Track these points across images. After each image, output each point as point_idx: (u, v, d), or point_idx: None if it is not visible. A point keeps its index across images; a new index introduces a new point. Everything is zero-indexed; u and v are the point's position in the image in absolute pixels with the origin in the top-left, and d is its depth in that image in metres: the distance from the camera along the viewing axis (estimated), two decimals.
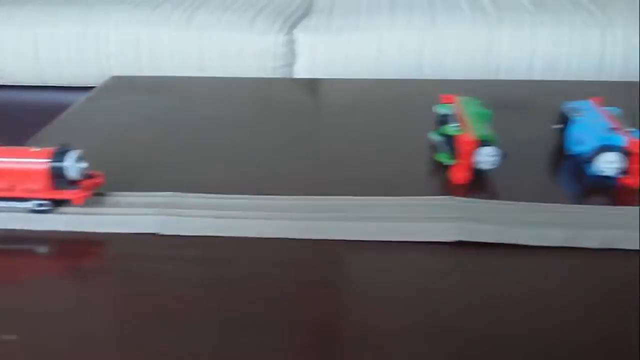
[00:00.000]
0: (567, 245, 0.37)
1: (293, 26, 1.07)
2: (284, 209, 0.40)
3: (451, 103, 0.51)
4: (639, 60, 0.99)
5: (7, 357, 0.30)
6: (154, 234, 0.39)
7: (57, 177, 0.39)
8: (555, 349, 0.30)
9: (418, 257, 0.37)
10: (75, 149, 0.40)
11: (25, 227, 0.39)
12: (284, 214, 0.40)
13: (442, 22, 1.03)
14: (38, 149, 0.40)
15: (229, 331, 0.31)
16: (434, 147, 0.50)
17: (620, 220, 0.39)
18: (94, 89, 0.70)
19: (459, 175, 0.45)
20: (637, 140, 0.44)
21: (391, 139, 0.54)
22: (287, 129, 0.57)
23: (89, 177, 0.40)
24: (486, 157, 0.45)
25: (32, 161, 0.39)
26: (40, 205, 0.39)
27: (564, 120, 0.50)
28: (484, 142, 0.45)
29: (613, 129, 0.46)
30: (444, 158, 0.47)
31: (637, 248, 0.37)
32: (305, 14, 1.15)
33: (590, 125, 0.47)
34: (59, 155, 0.39)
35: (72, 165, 0.39)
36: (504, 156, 0.45)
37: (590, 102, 0.51)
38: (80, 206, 0.40)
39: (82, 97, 0.67)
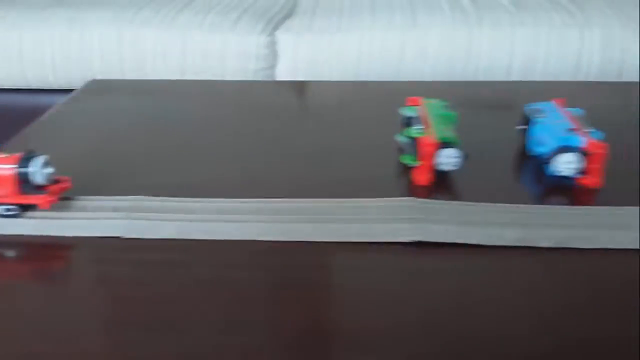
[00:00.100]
0: (521, 244, 0.38)
1: (275, 28, 1.08)
2: (246, 211, 0.41)
3: (416, 105, 0.52)
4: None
5: None
6: (120, 238, 0.40)
7: (24, 183, 0.39)
8: (515, 346, 0.31)
9: (379, 258, 0.38)
10: (41, 154, 0.41)
11: None
12: (246, 217, 0.40)
13: (423, 22, 1.03)
14: (6, 155, 0.41)
15: (193, 333, 0.32)
16: (400, 149, 0.51)
17: (574, 220, 0.40)
18: (73, 93, 0.70)
19: (422, 177, 0.46)
20: (595, 141, 0.45)
21: (361, 141, 0.55)
22: (258, 132, 0.58)
23: (56, 182, 0.41)
24: (447, 159, 0.46)
25: (0, 167, 0.40)
26: (8, 210, 0.40)
27: (527, 121, 0.51)
28: (445, 144, 0.46)
29: (572, 130, 0.47)
30: (408, 160, 0.48)
31: (591, 247, 0.38)
32: (289, 15, 1.15)
33: (551, 126, 0.48)
34: (25, 161, 0.40)
35: (38, 171, 0.40)
36: (465, 157, 0.46)
37: (553, 103, 0.52)
38: (48, 211, 0.41)
39: (63, 100, 0.68)
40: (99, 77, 1.05)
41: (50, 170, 0.40)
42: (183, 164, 0.51)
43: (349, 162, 0.51)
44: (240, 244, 0.39)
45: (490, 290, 0.35)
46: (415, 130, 0.48)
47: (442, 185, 0.47)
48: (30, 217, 0.41)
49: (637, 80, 1.00)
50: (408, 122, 0.51)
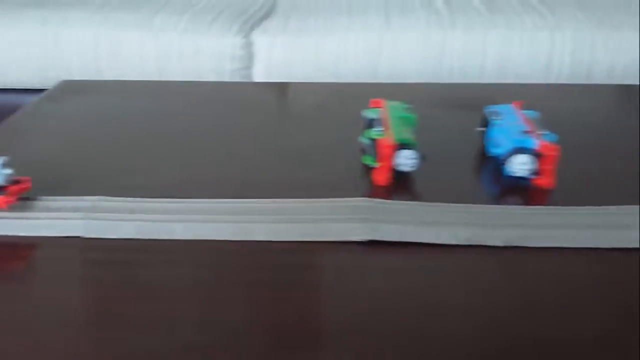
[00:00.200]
0: (472, 243, 0.39)
1: (252, 29, 1.08)
2: (204, 212, 0.42)
3: (378, 107, 0.53)
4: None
5: None
6: (80, 238, 0.41)
7: None
8: (464, 344, 0.32)
9: (334, 257, 0.39)
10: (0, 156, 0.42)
11: None
12: (204, 217, 0.41)
13: (398, 24, 1.05)
14: None
15: (153, 332, 0.33)
16: (363, 151, 0.52)
17: (525, 219, 0.41)
18: (42, 93, 0.71)
19: (381, 177, 0.47)
20: (548, 143, 0.46)
21: (326, 142, 0.56)
22: (226, 133, 0.58)
23: (16, 182, 0.41)
24: (405, 160, 0.47)
25: None
26: None
27: (487, 123, 0.53)
28: (402, 146, 0.47)
29: (527, 132, 0.48)
30: (369, 161, 0.49)
31: (541, 245, 0.40)
32: (266, 16, 1.16)
33: (507, 128, 0.49)
34: None
35: None
36: (423, 159, 0.47)
37: (511, 106, 0.53)
38: (10, 211, 0.42)
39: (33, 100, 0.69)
40: (76, 78, 1.05)
41: (8, 171, 0.41)
42: (149, 164, 0.52)
43: (313, 163, 0.52)
44: (198, 243, 0.40)
45: (441, 288, 0.36)
46: (374, 132, 0.49)
47: (401, 185, 0.48)
48: None
49: (606, 82, 1.02)
50: (370, 124, 0.52)
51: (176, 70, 1.04)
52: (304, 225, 0.40)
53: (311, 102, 0.68)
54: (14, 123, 0.62)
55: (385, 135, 0.48)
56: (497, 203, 0.45)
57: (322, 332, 0.33)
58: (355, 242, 0.40)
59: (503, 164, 0.47)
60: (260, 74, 1.06)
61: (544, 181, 0.46)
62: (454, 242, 0.39)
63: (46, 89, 0.73)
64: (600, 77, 1.02)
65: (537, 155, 0.46)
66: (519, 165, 0.46)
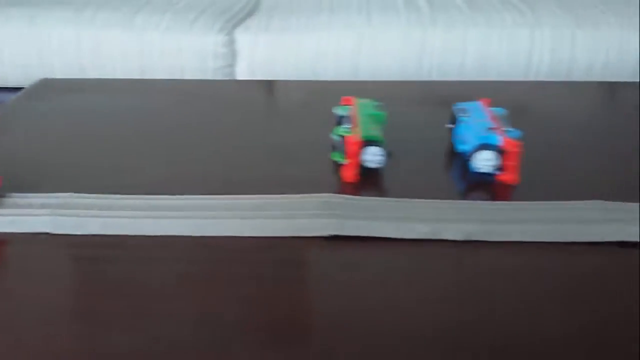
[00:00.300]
0: (432, 237, 0.40)
1: (234, 27, 1.09)
2: (172, 208, 0.43)
3: (349, 105, 0.54)
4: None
5: None
6: (49, 234, 0.41)
7: None
8: (423, 336, 0.33)
9: (298, 252, 0.40)
10: None
11: None
12: (171, 213, 0.42)
13: (378, 23, 1.06)
14: None
15: (119, 329, 0.34)
16: (333, 147, 0.53)
17: (485, 214, 0.42)
18: (21, 92, 0.71)
19: (348, 174, 0.48)
20: (511, 139, 0.47)
21: (300, 139, 0.57)
22: (201, 130, 0.59)
23: None
24: (372, 157, 0.48)
25: None
26: None
27: (455, 120, 0.53)
28: (369, 142, 0.47)
29: (492, 129, 0.49)
30: (337, 157, 0.50)
31: (499, 240, 0.41)
32: (249, 15, 1.17)
33: (473, 125, 0.50)
34: None
35: None
36: (390, 155, 0.48)
37: (479, 103, 0.54)
38: None
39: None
40: (58, 76, 1.06)
41: None
42: (124, 162, 0.52)
43: (284, 160, 0.53)
44: (165, 239, 0.41)
45: (402, 282, 0.37)
46: (342, 129, 0.49)
47: (368, 181, 0.48)
48: None
49: (585, 79, 1.03)
50: (340, 121, 0.53)
51: (159, 68, 1.05)
52: (268, 221, 0.41)
53: (289, 100, 0.69)
54: None
55: (352, 132, 0.48)
56: (461, 198, 0.46)
57: (289, 325, 0.34)
58: (320, 237, 0.41)
59: (469, 160, 0.48)
60: (243, 72, 1.07)
61: (507, 177, 0.47)
62: (415, 236, 0.40)
63: None
64: (579, 75, 1.04)
65: (500, 151, 0.47)
66: (483, 161, 0.47)
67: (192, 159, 0.53)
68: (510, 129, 0.49)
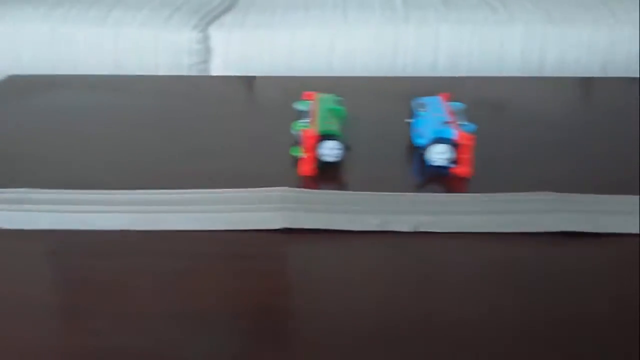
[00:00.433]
0: (382, 229, 0.41)
1: (209, 23, 1.09)
2: (122, 202, 0.43)
3: (309, 100, 0.54)
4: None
5: None
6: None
7: None
8: (373, 327, 0.33)
9: (252, 245, 0.41)
10: None
11: None
12: (121, 208, 0.42)
13: (353, 20, 1.06)
14: None
15: (69, 323, 0.34)
16: (295, 142, 0.54)
17: (433, 206, 0.43)
18: None
19: (305, 168, 0.49)
20: (465, 133, 0.48)
21: (263, 134, 0.57)
22: (165, 125, 0.60)
23: None
24: (329, 150, 0.48)
25: None
26: None
27: (413, 114, 0.54)
28: (326, 137, 0.48)
29: (447, 123, 0.50)
30: (296, 152, 0.51)
31: (446, 231, 0.41)
32: (224, 11, 1.17)
33: (430, 119, 0.51)
34: None
35: None
36: (347, 149, 0.49)
37: (437, 98, 0.55)
38: None
39: None
40: (32, 73, 1.05)
41: None
42: (81, 158, 0.53)
43: (246, 154, 0.53)
44: (118, 234, 0.41)
45: (353, 273, 0.38)
46: (301, 124, 0.50)
47: (325, 175, 0.49)
48: None
49: (557, 75, 1.04)
50: (300, 115, 0.53)
51: (133, 64, 1.05)
52: (221, 215, 0.42)
53: (258, 96, 0.69)
54: None
55: (310, 126, 0.49)
56: (414, 191, 0.47)
57: (244, 318, 0.34)
58: (274, 230, 0.42)
59: (425, 153, 0.49)
60: (217, 69, 1.07)
61: (461, 170, 0.48)
62: (365, 228, 0.41)
63: None
64: (550, 71, 1.05)
65: (455, 145, 0.48)
66: (437, 155, 0.48)
67: (152, 154, 0.53)
68: (465, 123, 0.49)
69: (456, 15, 1.05)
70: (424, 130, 0.50)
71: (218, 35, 1.06)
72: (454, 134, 0.48)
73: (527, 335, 0.33)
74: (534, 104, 0.66)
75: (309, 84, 0.74)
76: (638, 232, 0.41)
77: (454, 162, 0.48)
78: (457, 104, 0.53)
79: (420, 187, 0.48)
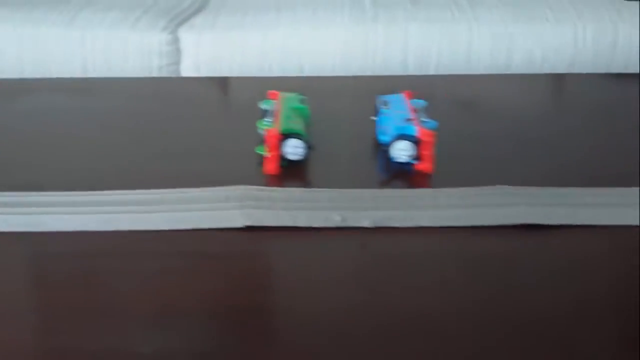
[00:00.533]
0: (343, 225, 0.42)
1: (179, 25, 1.09)
2: (85, 203, 0.43)
3: (273, 99, 0.55)
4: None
5: None
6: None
7: None
8: (337, 321, 0.34)
9: (213, 243, 0.41)
10: None
11: None
12: (83, 209, 0.42)
13: (323, 20, 1.07)
14: None
15: (28, 322, 0.34)
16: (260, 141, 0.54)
17: (393, 201, 0.44)
18: None
19: (269, 166, 0.49)
20: (426, 129, 0.49)
21: (230, 134, 0.57)
22: (131, 126, 0.59)
23: None
24: (292, 149, 0.49)
25: None
26: None
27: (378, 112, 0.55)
28: (289, 135, 0.48)
29: (409, 120, 0.50)
30: (261, 151, 0.51)
31: (405, 226, 0.42)
32: (195, 13, 1.17)
33: (393, 116, 0.51)
34: None
35: None
36: (310, 148, 0.49)
37: (401, 95, 0.55)
38: None
39: None
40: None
41: None
42: (44, 160, 0.52)
43: (214, 154, 0.53)
44: (76, 235, 0.41)
45: (315, 269, 0.38)
46: (264, 123, 0.50)
47: (290, 173, 0.49)
48: None
49: (523, 73, 1.06)
50: (264, 114, 0.54)
51: (102, 67, 1.04)
52: (182, 214, 0.42)
53: (225, 96, 0.69)
54: None
55: (273, 125, 0.49)
56: (377, 187, 0.47)
57: (206, 316, 0.34)
58: (236, 229, 0.42)
59: (387, 150, 0.50)
60: (188, 70, 1.07)
61: (423, 166, 0.49)
62: (325, 224, 0.41)
63: None
64: (517, 69, 1.06)
65: (416, 141, 0.49)
66: (399, 151, 0.49)
67: (119, 155, 0.53)
68: (426, 120, 0.50)
69: (425, 15, 1.06)
70: (387, 127, 0.51)
71: (188, 37, 1.05)
72: (416, 130, 0.49)
73: (487, 326, 0.33)
74: (500, 101, 0.67)
75: (279, 84, 0.75)
76: (591, 223, 0.42)
77: (417, 158, 0.49)
78: (420, 101, 0.54)
79: (384, 184, 0.49)
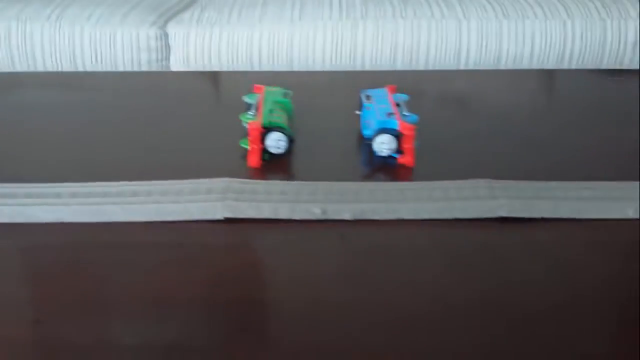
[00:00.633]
0: (323, 218, 0.42)
1: (167, 20, 1.09)
2: (67, 195, 0.43)
3: (257, 93, 0.55)
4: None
5: None
6: None
7: None
8: (317, 313, 0.34)
9: (193, 235, 0.41)
10: None
11: None
12: (66, 200, 0.43)
13: (311, 16, 1.07)
14: None
15: (11, 314, 0.34)
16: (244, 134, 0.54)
17: (374, 194, 0.44)
18: None
19: (252, 159, 0.49)
20: (407, 123, 0.49)
21: (216, 127, 0.58)
22: (118, 119, 0.59)
23: None
24: (274, 142, 0.49)
25: None
26: None
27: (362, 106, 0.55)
28: (270, 129, 0.49)
29: (391, 114, 0.50)
30: (244, 144, 0.51)
31: (387, 218, 0.42)
32: (184, 8, 1.17)
33: (375, 110, 0.52)
34: None
35: None
36: (292, 141, 0.49)
37: (384, 90, 0.56)
38: None
39: None
40: None
41: None
42: (27, 152, 0.52)
43: (199, 147, 0.54)
44: (60, 226, 0.42)
45: (296, 261, 0.39)
46: (247, 116, 0.50)
47: (272, 167, 0.50)
48: None
49: (512, 68, 1.06)
50: (248, 108, 0.54)
51: (91, 62, 1.04)
52: (163, 206, 0.42)
53: (213, 90, 0.69)
54: None
55: (255, 118, 0.50)
56: (359, 181, 0.48)
57: (185, 307, 0.35)
58: (217, 220, 0.42)
59: (369, 144, 0.50)
60: (177, 65, 1.07)
61: (405, 159, 0.49)
62: (306, 217, 0.42)
63: None
64: (507, 64, 1.07)
65: (398, 135, 0.49)
66: (381, 145, 0.49)
67: (104, 147, 0.53)
68: (407, 114, 0.50)
69: (413, 11, 1.06)
70: (370, 121, 0.51)
71: (176, 32, 1.05)
72: (397, 124, 0.49)
73: (467, 318, 0.34)
74: (486, 96, 0.68)
75: (267, 78, 0.75)
76: (573, 217, 0.43)
77: (399, 152, 0.49)
78: (402, 95, 0.54)
79: (366, 177, 0.49)
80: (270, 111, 0.50)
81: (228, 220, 0.42)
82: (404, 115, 0.50)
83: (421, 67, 1.06)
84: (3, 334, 0.33)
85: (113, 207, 0.42)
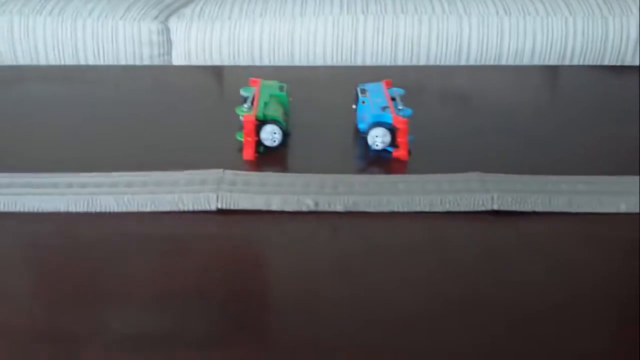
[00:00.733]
0: (316, 209, 0.42)
1: (169, 15, 1.09)
2: (61, 185, 0.44)
3: (254, 86, 0.55)
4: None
5: None
6: None
7: None
8: (308, 306, 0.35)
9: (186, 225, 0.42)
10: None
11: None
12: (60, 190, 0.43)
13: (312, 10, 1.07)
14: None
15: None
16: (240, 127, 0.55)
17: (365, 187, 0.44)
18: None
19: (247, 152, 0.50)
20: (400, 117, 0.49)
21: (214, 120, 0.58)
22: (118, 111, 0.60)
23: None
24: (268, 135, 0.49)
25: None
26: None
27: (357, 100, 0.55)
28: (265, 121, 0.49)
29: (385, 108, 0.51)
30: (240, 136, 0.52)
31: (379, 210, 0.43)
32: (185, 3, 1.17)
33: (370, 104, 0.52)
34: None
35: None
36: (286, 134, 0.50)
37: (380, 84, 0.56)
38: None
39: None
40: None
41: None
42: (19, 142, 0.53)
43: (196, 139, 0.54)
44: (53, 216, 0.42)
45: (288, 252, 0.39)
46: (242, 109, 0.51)
47: (268, 159, 0.50)
48: None
49: (513, 64, 1.06)
50: (244, 101, 0.54)
51: (93, 56, 1.05)
52: (156, 196, 0.43)
53: (213, 84, 0.70)
54: None
55: (250, 111, 0.50)
56: (353, 173, 0.48)
57: (177, 298, 0.35)
58: (211, 211, 0.43)
59: (364, 138, 0.50)
60: (179, 59, 1.08)
61: (399, 153, 0.49)
62: (299, 208, 0.42)
63: None
64: (508, 60, 1.07)
65: (392, 129, 0.49)
66: (375, 138, 0.49)
67: (103, 138, 0.54)
68: (402, 108, 0.51)
69: (414, 7, 1.07)
70: (365, 115, 0.51)
71: (178, 27, 1.06)
72: (392, 118, 0.49)
73: (458, 310, 0.34)
74: (483, 91, 0.68)
75: (266, 72, 0.75)
76: (565, 210, 0.43)
77: (394, 145, 0.49)
78: (398, 89, 0.55)
79: (359, 170, 0.49)
80: (266, 104, 0.51)
81: (221, 211, 0.43)
82: (399, 109, 0.50)
83: (422, 63, 1.06)
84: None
85: (108, 198, 0.42)
